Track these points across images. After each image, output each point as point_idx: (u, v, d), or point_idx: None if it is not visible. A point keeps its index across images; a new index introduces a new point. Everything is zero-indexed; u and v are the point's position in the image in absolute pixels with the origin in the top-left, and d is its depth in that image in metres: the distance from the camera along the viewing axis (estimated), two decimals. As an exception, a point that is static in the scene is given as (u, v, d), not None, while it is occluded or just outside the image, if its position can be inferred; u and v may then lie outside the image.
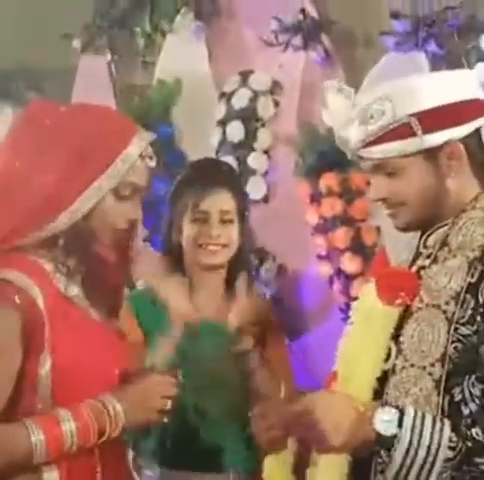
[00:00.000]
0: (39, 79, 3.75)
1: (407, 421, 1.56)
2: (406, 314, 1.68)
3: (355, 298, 2.95)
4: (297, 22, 3.33)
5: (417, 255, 1.77)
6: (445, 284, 1.64)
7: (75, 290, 1.76)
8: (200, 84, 3.52)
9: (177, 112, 3.49)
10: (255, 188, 3.28)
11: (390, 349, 1.67)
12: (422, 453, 1.55)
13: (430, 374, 1.61)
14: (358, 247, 3.08)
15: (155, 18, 3.65)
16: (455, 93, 1.68)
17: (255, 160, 3.38)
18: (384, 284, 1.72)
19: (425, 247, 1.74)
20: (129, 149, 1.73)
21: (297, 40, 3.32)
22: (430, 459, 1.55)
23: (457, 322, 1.60)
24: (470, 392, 1.59)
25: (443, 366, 1.59)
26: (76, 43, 3.75)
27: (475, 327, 1.58)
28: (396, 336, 1.68)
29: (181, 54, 3.56)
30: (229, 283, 2.36)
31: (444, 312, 1.62)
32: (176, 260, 2.33)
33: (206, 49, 3.56)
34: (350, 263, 3.07)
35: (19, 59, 3.74)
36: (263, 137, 3.38)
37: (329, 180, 3.09)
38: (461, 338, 1.59)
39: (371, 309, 1.73)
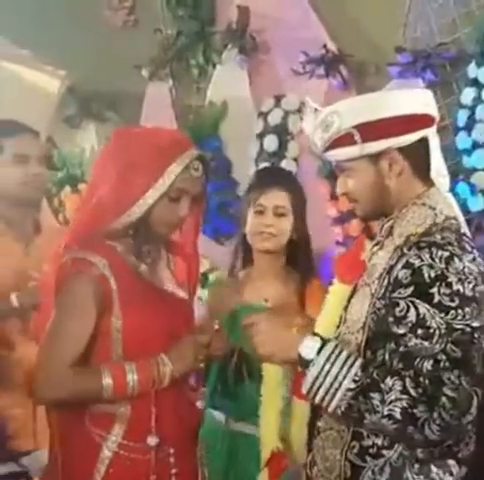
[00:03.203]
0: (116, 101, 3.82)
1: (325, 351, 1.52)
2: (354, 291, 1.65)
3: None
4: (320, 55, 3.32)
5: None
6: (377, 266, 1.60)
7: (143, 267, 1.80)
8: (242, 105, 3.55)
9: (224, 128, 3.57)
10: (286, 188, 3.33)
11: (341, 318, 1.65)
12: (330, 379, 1.50)
13: (356, 339, 1.58)
14: (367, 235, 3.17)
15: (207, 53, 3.67)
16: (394, 108, 1.62)
17: (286, 166, 3.38)
18: (338, 267, 1.73)
19: (380, 236, 1.70)
20: (172, 166, 1.74)
21: (320, 70, 3.33)
22: (336, 385, 1.50)
23: (376, 297, 1.57)
24: (389, 354, 1.54)
25: (364, 333, 1.57)
26: (145, 72, 3.79)
27: (384, 301, 1.54)
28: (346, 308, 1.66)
29: (227, 81, 3.61)
30: (288, 268, 2.30)
31: (370, 289, 1.59)
32: (245, 246, 2.32)
33: (247, 77, 3.58)
34: (361, 248, 3.24)
35: (99, 85, 3.78)
36: (293, 147, 3.43)
37: (346, 181, 3.25)
38: (376, 310, 1.56)
39: (333, 286, 1.73)
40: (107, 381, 1.69)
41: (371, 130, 1.59)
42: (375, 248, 1.66)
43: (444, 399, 1.43)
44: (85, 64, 3.69)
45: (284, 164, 3.38)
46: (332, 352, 1.52)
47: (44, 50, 3.69)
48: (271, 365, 1.76)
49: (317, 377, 1.51)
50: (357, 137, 1.59)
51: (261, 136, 3.45)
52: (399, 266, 1.52)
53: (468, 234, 1.62)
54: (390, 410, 1.44)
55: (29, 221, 2.34)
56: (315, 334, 1.57)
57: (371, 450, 1.55)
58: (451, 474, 1.57)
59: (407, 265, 1.50)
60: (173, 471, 1.75)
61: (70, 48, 3.72)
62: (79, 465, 1.73)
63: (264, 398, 1.96)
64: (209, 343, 1.81)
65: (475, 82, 3.04)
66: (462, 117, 3.05)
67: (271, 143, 3.42)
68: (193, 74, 3.73)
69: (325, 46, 3.31)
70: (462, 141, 3.04)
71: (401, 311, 1.49)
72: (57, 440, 1.77)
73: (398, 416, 1.44)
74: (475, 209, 3.00)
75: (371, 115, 1.60)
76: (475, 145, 3.03)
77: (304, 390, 1.53)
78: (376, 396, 1.46)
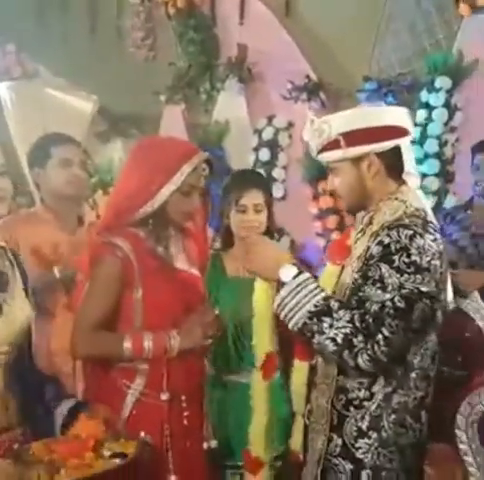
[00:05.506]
0: (139, 120, 3.99)
1: (298, 278, 1.60)
2: (342, 270, 1.74)
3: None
4: (304, 84, 3.61)
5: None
6: (358, 249, 1.67)
7: (160, 249, 1.85)
8: (241, 124, 3.83)
9: (226, 142, 3.84)
10: (277, 190, 3.51)
11: (334, 293, 1.70)
12: (295, 301, 1.58)
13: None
14: (342, 228, 3.37)
15: (213, 81, 3.93)
16: (373, 121, 1.68)
17: (277, 173, 3.69)
18: (329, 252, 1.86)
19: (361, 224, 1.75)
20: (184, 166, 1.81)
21: (304, 96, 3.61)
22: (299, 305, 1.58)
23: (354, 272, 1.64)
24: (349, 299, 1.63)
25: (344, 298, 1.64)
26: (162, 97, 4.01)
27: (360, 273, 1.61)
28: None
29: (229, 105, 3.87)
30: None
31: (352, 267, 1.67)
32: (226, 236, 2.35)
33: (245, 101, 3.85)
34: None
35: (125, 107, 3.98)
36: (282, 158, 3.72)
37: (324, 185, 3.32)
38: (354, 281, 1.63)
39: (326, 267, 1.84)
40: (127, 345, 1.77)
41: (354, 137, 1.65)
42: (359, 235, 1.72)
43: (380, 336, 1.52)
44: (113, 90, 3.91)
45: (275, 172, 3.65)
46: (303, 281, 1.60)
47: (81, 79, 3.90)
48: (261, 287, 1.88)
49: (286, 297, 1.59)
50: (342, 143, 1.65)
51: (256, 149, 3.73)
52: (373, 245, 1.60)
53: (434, 222, 1.67)
54: (334, 334, 1.54)
55: (73, 215, 2.40)
56: (295, 264, 1.64)
57: (354, 402, 1.62)
58: (420, 421, 1.65)
59: (379, 243, 1.59)
60: (185, 414, 1.84)
61: (101, 77, 3.94)
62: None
63: (256, 315, 2.00)
64: (212, 323, 1.85)
65: (426, 105, 3.37)
66: (416, 133, 3.29)
67: (264, 155, 3.70)
68: (201, 99, 3.98)
69: (307, 76, 3.61)
70: (416, 152, 3.26)
71: (371, 272, 1.58)
72: (90, 388, 1.89)
73: (339, 340, 1.54)
74: (427, 207, 3.41)
75: (354, 125, 1.66)
76: (426, 155, 3.36)
77: (274, 306, 1.62)
78: (327, 320, 1.55)
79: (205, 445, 1.91)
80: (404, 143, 1.70)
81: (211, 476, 1.97)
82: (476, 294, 2.33)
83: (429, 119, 3.36)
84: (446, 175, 3.38)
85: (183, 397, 1.85)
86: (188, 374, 1.86)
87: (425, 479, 1.78)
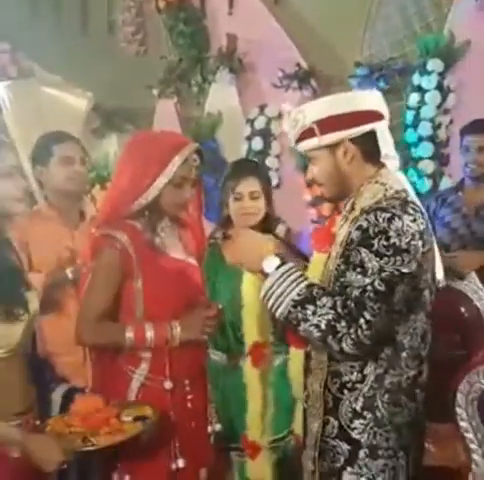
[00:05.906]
0: (133, 115, 3.97)
1: (282, 268, 1.61)
2: (328, 258, 1.73)
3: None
4: (294, 72, 3.62)
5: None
6: (341, 235, 1.66)
7: (157, 240, 1.89)
8: (233, 114, 3.84)
9: (219, 133, 3.85)
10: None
11: (320, 281, 1.70)
12: (280, 290, 1.60)
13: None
14: (338, 214, 3.47)
15: (204, 73, 3.95)
16: (346, 107, 1.66)
17: (270, 162, 3.70)
18: (314, 240, 1.86)
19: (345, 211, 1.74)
20: (176, 158, 1.83)
21: (294, 83, 3.61)
22: (285, 294, 1.59)
23: (337, 258, 1.64)
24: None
25: (329, 285, 1.65)
26: (154, 91, 4.05)
27: (342, 259, 1.61)
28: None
29: (221, 96, 3.88)
30: None
31: (336, 252, 1.66)
32: (227, 225, 2.36)
33: (237, 92, 3.86)
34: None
35: (119, 103, 3.95)
36: (275, 147, 3.73)
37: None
38: (337, 267, 1.63)
39: (313, 256, 1.87)
40: (129, 334, 1.81)
41: (327, 124, 1.65)
42: (342, 222, 1.71)
43: (362, 320, 1.53)
44: (107, 86, 3.88)
45: (268, 161, 3.65)
46: (287, 270, 1.61)
47: (74, 75, 3.91)
48: (249, 280, 1.93)
49: (271, 287, 1.61)
50: (316, 131, 1.65)
51: (249, 138, 3.74)
52: (353, 230, 1.59)
53: (416, 202, 1.66)
54: (318, 321, 1.56)
55: (76, 211, 2.46)
56: (278, 255, 1.66)
57: (348, 385, 1.63)
58: (415, 400, 1.64)
59: (358, 227, 1.58)
60: (189, 397, 1.89)
61: (94, 73, 3.88)
62: (114, 392, 1.84)
63: (245, 306, 2.03)
64: (215, 317, 1.88)
65: (419, 88, 3.36)
66: (409, 117, 3.37)
67: (257, 144, 3.71)
68: (193, 91, 4.01)
69: (298, 64, 3.61)
70: (410, 136, 3.36)
71: (351, 257, 1.58)
72: (96, 374, 1.93)
73: (323, 326, 1.55)
74: (423, 190, 3.29)
75: (327, 112, 1.66)
76: (420, 138, 3.36)
77: (260, 296, 1.64)
78: (310, 308, 1.57)
79: (209, 429, 1.96)
80: (379, 127, 1.68)
81: (217, 458, 2.01)
82: (473, 275, 2.40)
83: (422, 102, 3.35)
84: (441, 158, 3.37)
85: (186, 381, 1.89)
86: (190, 360, 1.90)
87: (427, 457, 1.78)
